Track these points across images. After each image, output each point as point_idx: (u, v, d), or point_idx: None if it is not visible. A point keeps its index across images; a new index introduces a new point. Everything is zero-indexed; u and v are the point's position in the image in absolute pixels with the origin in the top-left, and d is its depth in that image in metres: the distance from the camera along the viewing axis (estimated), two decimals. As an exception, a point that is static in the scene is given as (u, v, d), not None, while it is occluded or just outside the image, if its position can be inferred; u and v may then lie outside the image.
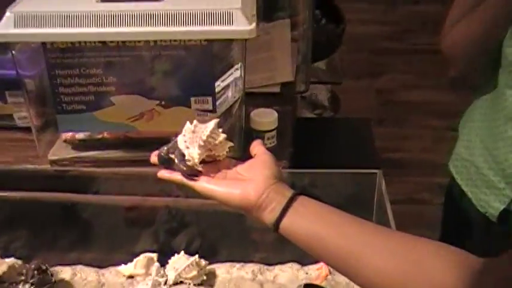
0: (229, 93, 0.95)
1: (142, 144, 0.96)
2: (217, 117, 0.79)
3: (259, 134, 0.96)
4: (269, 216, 0.66)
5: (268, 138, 0.97)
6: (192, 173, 0.68)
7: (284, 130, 1.01)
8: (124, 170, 0.95)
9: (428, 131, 2.20)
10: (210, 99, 0.91)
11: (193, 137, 0.69)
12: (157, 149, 0.72)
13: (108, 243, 0.98)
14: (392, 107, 2.27)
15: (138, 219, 0.99)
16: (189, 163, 0.68)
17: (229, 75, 0.96)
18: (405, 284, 0.57)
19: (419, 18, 2.29)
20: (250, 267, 0.96)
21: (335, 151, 1.15)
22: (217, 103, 0.92)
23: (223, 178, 0.69)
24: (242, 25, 0.84)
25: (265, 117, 0.97)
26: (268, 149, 0.74)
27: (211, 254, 0.96)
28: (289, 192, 0.66)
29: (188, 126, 0.71)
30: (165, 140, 0.93)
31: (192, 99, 0.91)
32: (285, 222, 0.65)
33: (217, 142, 0.70)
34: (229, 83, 0.96)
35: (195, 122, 0.70)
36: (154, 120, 0.92)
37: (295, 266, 0.96)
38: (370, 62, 2.36)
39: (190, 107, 0.91)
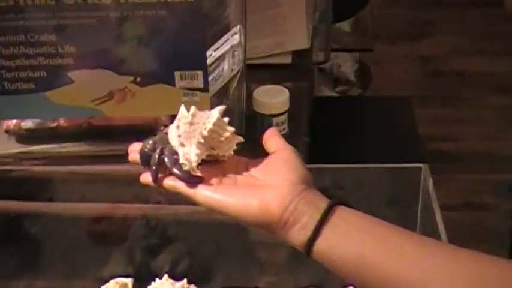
0: (225, 65, 0.99)
1: (111, 135, 0.99)
2: (219, 100, 0.80)
3: (266, 120, 1.00)
4: (299, 235, 0.67)
5: (277, 125, 1.00)
6: (191, 179, 0.69)
7: (298, 113, 1.04)
8: (87, 168, 0.98)
9: (490, 112, 2.22)
10: (200, 73, 0.93)
11: (190, 131, 0.69)
12: (136, 140, 0.74)
13: (67, 266, 1.00)
14: (441, 80, 2.30)
15: (106, 234, 1.02)
16: (184, 167, 0.68)
17: (225, 41, 0.99)
18: None
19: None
20: (255, 295, 0.99)
21: (365, 141, 1.17)
22: (210, 79, 0.94)
23: (233, 184, 0.71)
24: None
25: (273, 97, 1.00)
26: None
27: (203, 278, 0.97)
28: (323, 203, 0.67)
29: (183, 114, 0.70)
30: (141, 129, 0.95)
31: (177, 73, 0.93)
32: (321, 243, 0.66)
33: (222, 138, 0.70)
34: (225, 53, 0.99)
35: (192, 109, 0.70)
36: (127, 103, 0.95)
37: (315, 293, 0.98)
38: (411, 19, 2.39)
39: (174, 84, 0.93)
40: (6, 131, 0.99)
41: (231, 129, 0.70)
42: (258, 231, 0.70)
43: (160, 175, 0.70)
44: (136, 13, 0.89)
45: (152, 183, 0.72)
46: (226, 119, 0.70)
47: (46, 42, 0.90)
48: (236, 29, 0.98)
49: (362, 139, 1.18)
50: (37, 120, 0.98)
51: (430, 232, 0.85)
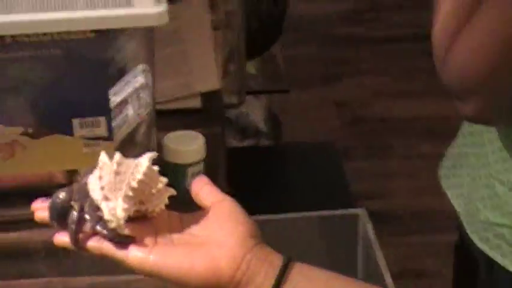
0: (130, 110, 1.12)
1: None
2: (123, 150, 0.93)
3: (179, 170, 1.11)
4: None
5: (192, 175, 1.11)
6: (120, 239, 0.75)
7: (215, 163, 1.17)
8: None
9: (422, 162, 2.44)
10: (102, 120, 1.07)
11: (116, 182, 0.75)
12: (37, 197, 0.80)
13: None
14: (363, 127, 2.50)
15: None
16: (110, 224, 0.74)
17: (126, 84, 1.12)
18: None
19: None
20: None
21: (290, 191, 1.33)
22: (114, 125, 1.08)
23: (170, 244, 0.77)
24: (146, 6, 1.02)
25: (187, 144, 1.13)
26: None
27: None
28: (278, 259, 0.76)
29: (106, 162, 0.76)
30: (38, 189, 1.06)
31: (75, 121, 1.07)
32: None
33: (154, 191, 0.77)
34: (128, 96, 1.12)
35: (118, 156, 0.76)
36: (17, 158, 1.07)
37: None
38: (324, 59, 2.61)
39: (72, 134, 1.07)
40: None
41: (164, 180, 0.77)
42: None
43: (80, 235, 0.75)
44: (25, 53, 1.02)
45: (71, 246, 0.77)
46: (156, 168, 0.77)
47: None
48: (139, 69, 1.12)
49: (285, 190, 1.34)
50: None
51: (375, 278, 1.02)
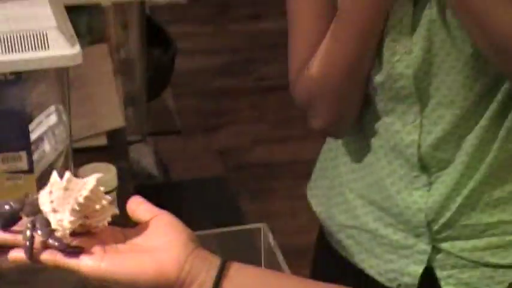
0: (46, 146, 1.23)
1: None
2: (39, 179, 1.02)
3: None
4: None
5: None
6: (71, 249, 0.82)
7: (124, 193, 1.28)
8: None
9: (304, 202, 2.60)
10: (23, 154, 1.17)
11: (64, 197, 0.83)
12: None
13: None
14: (246, 173, 2.65)
15: None
16: (57, 233, 0.82)
17: (42, 121, 1.23)
18: None
19: (265, 40, 2.75)
20: None
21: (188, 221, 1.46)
22: (34, 159, 1.18)
23: (118, 252, 0.84)
24: (62, 48, 1.13)
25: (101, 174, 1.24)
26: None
27: None
28: (217, 259, 0.85)
29: (56, 180, 0.84)
30: None
31: None
32: None
33: (98, 207, 0.84)
34: (43, 134, 1.23)
35: (67, 174, 0.84)
36: None
37: None
38: (203, 109, 2.75)
39: None
40: None
41: (108, 198, 0.85)
42: None
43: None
44: None
45: (26, 260, 0.82)
46: (102, 188, 0.85)
47: None
48: (52, 109, 1.23)
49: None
50: None
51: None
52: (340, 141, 1.49)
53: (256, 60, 3.02)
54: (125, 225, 0.96)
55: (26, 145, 1.17)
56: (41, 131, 1.24)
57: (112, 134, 1.42)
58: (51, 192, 0.83)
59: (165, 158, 2.00)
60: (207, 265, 0.85)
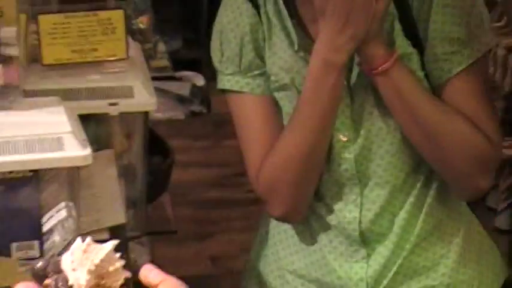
0: (56, 237, 1.37)
1: None
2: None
3: None
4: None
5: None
6: None
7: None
8: None
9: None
10: (36, 243, 1.31)
11: (83, 259, 0.92)
12: None
13: None
14: (235, 279, 2.78)
15: None
16: None
17: (53, 215, 1.38)
18: None
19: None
20: None
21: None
22: (45, 248, 1.32)
23: None
24: (75, 150, 1.30)
25: None
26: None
27: None
28: None
29: (78, 244, 0.94)
30: None
31: (13, 245, 1.30)
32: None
33: (111, 269, 0.93)
34: (53, 226, 1.38)
35: (88, 240, 0.94)
36: None
37: None
38: (195, 219, 2.92)
39: (10, 255, 1.30)
40: None
41: (121, 261, 0.93)
42: None
43: None
44: None
45: None
46: (118, 254, 0.93)
47: None
48: (62, 205, 1.39)
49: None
50: None
51: None
52: (277, 230, 1.68)
53: (246, 174, 3.18)
54: None
55: (38, 236, 1.31)
56: (51, 223, 1.37)
57: (114, 230, 1.55)
58: (72, 253, 0.97)
59: (160, 260, 2.15)
60: None
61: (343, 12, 1.45)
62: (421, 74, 1.56)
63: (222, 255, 2.89)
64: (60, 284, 0.94)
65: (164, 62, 4.48)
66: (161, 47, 4.50)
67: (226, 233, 2.98)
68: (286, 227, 1.65)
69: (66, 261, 0.93)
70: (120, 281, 0.92)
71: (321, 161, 1.56)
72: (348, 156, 1.56)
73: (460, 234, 1.67)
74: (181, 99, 4.74)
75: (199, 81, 5.06)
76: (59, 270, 0.96)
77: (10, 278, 1.32)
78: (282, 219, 1.66)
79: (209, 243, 2.96)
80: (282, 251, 1.68)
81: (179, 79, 4.84)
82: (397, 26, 1.52)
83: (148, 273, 1.01)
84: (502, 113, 3.82)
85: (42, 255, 1.33)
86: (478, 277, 1.68)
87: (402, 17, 1.52)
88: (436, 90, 1.57)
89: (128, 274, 0.93)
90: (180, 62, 4.93)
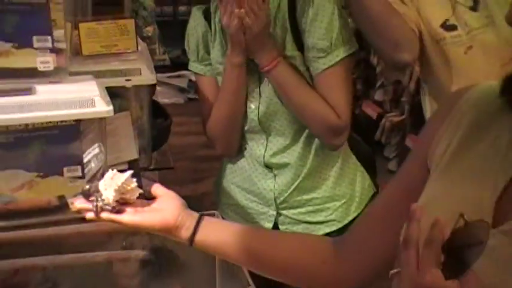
0: (92, 164, 1.57)
1: (19, 215, 1.50)
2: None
3: None
4: (185, 233, 1.17)
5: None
6: (117, 211, 1.18)
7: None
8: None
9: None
10: (79, 167, 1.51)
11: (111, 183, 1.20)
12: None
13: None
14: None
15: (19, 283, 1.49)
16: (104, 202, 1.19)
17: (90, 151, 1.56)
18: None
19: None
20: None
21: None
22: (85, 171, 1.52)
23: (143, 211, 1.18)
24: (102, 107, 1.48)
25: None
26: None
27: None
28: (196, 214, 1.21)
29: (108, 174, 1.22)
30: (41, 207, 1.46)
31: (65, 168, 1.50)
32: (199, 235, 1.17)
33: (129, 188, 1.21)
34: (91, 157, 1.57)
35: (114, 171, 1.23)
36: (33, 190, 1.48)
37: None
38: (191, 169, 3.11)
39: (63, 175, 1.50)
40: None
41: (135, 183, 1.22)
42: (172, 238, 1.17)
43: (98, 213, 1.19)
44: (40, 133, 1.43)
45: (95, 217, 1.18)
46: (134, 179, 1.22)
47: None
48: (95, 145, 1.56)
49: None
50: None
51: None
52: (227, 160, 1.96)
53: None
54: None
55: (81, 163, 1.50)
56: (89, 156, 1.56)
57: (130, 163, 1.75)
58: (104, 180, 1.23)
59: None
60: (191, 217, 1.19)
61: (238, 39, 1.70)
62: (303, 69, 1.77)
63: (209, 191, 3.04)
64: (99, 198, 1.21)
65: (164, 58, 4.70)
66: (161, 48, 4.73)
67: (212, 177, 3.13)
68: (230, 158, 1.96)
69: (101, 185, 1.22)
70: (136, 195, 1.21)
71: (237, 120, 1.85)
72: (254, 118, 1.83)
73: (337, 166, 1.88)
74: (181, 90, 5.04)
75: (193, 77, 5.10)
76: (97, 190, 1.21)
77: (62, 190, 1.49)
78: (223, 154, 1.95)
79: (200, 185, 3.14)
80: (229, 171, 1.98)
81: (179, 76, 5.05)
82: (289, 36, 1.76)
83: (156, 188, 1.26)
84: (407, 104, 4.01)
85: (83, 176, 1.51)
86: (350, 192, 1.90)
87: (292, 30, 1.75)
88: (313, 80, 1.78)
89: (140, 191, 1.22)
90: (180, 64, 5.13)
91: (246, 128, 1.86)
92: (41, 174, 1.47)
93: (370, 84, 4.67)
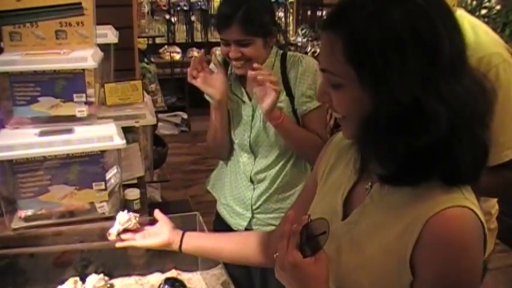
0: (112, 181, 1.72)
1: (65, 215, 1.65)
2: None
3: (129, 202, 1.74)
4: (175, 246, 1.33)
5: (135, 204, 1.74)
6: (129, 235, 1.37)
7: (144, 203, 1.77)
8: (53, 229, 1.62)
9: None
10: (103, 183, 1.67)
11: (123, 220, 1.38)
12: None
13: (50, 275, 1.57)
14: (203, 197, 2.98)
15: (65, 261, 1.62)
16: (114, 231, 1.39)
17: (110, 172, 1.70)
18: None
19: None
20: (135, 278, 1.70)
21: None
22: (108, 185, 1.66)
23: (147, 235, 1.35)
24: (119, 141, 1.63)
25: (132, 194, 1.77)
26: (135, 210, 1.52)
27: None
28: (180, 232, 1.35)
29: (121, 213, 1.39)
30: (78, 210, 1.58)
31: (94, 183, 1.66)
32: (184, 246, 1.32)
33: (134, 221, 1.39)
34: (111, 177, 1.71)
35: (125, 211, 1.39)
36: (73, 198, 1.64)
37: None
38: (183, 179, 3.32)
39: (92, 188, 1.65)
40: (19, 217, 1.59)
41: (134, 221, 1.39)
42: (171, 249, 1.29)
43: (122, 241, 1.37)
44: (77, 160, 1.58)
45: (115, 239, 1.37)
46: (137, 214, 1.40)
47: (40, 175, 1.56)
48: (114, 167, 1.70)
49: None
50: (32, 210, 1.63)
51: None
52: (220, 166, 1.94)
53: (207, 158, 3.50)
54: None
55: (104, 180, 1.63)
56: (110, 175, 1.70)
57: (138, 179, 1.87)
58: (118, 218, 1.41)
59: (164, 198, 2.42)
60: (178, 234, 1.33)
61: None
62: (289, 110, 1.76)
63: (196, 195, 3.22)
64: (118, 228, 1.39)
65: (162, 105, 4.84)
66: (161, 98, 4.88)
67: (199, 185, 3.31)
68: (223, 166, 1.94)
69: (116, 221, 1.40)
70: (137, 226, 1.37)
71: (224, 140, 1.85)
72: (246, 143, 1.83)
73: (303, 183, 1.82)
74: (176, 125, 5.18)
75: (184, 116, 5.61)
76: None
77: (92, 198, 1.60)
78: (216, 157, 1.90)
79: (189, 190, 3.38)
80: (217, 178, 1.99)
81: (175, 115, 5.19)
82: (281, 87, 1.77)
83: (156, 213, 1.40)
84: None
85: (106, 188, 1.63)
86: None
87: (285, 87, 1.77)
88: (300, 118, 1.77)
89: (138, 226, 1.37)
90: (175, 108, 5.53)
91: (241, 148, 1.84)
92: (78, 187, 1.60)
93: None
